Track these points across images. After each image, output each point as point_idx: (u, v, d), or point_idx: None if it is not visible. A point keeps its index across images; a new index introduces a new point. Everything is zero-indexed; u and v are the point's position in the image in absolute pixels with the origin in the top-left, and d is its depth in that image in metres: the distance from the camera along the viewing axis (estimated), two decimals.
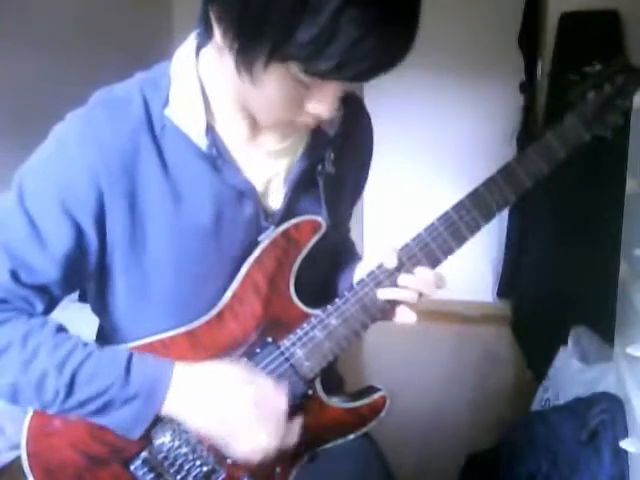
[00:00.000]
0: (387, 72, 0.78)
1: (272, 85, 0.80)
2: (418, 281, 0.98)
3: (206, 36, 0.86)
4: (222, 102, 0.92)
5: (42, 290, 0.91)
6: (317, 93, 0.82)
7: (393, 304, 0.99)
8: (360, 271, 1.04)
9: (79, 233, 0.89)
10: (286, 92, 0.81)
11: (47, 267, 0.89)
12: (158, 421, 0.93)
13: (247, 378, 0.93)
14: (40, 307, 0.92)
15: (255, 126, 0.93)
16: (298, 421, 0.95)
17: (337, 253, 1.10)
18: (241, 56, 0.78)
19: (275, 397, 0.92)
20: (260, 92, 0.81)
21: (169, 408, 0.91)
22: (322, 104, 0.83)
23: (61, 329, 0.93)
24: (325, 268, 1.07)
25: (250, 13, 0.73)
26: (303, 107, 0.84)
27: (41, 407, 0.91)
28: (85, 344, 0.92)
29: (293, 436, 0.94)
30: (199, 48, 0.92)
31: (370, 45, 0.72)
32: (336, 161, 0.99)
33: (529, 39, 3.14)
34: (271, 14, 0.72)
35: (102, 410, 0.90)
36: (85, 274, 0.94)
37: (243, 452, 0.92)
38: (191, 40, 0.93)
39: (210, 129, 0.91)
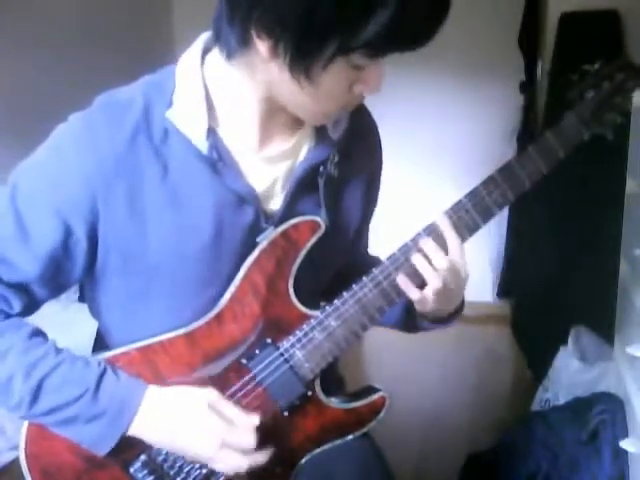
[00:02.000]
0: (433, 37, 0.80)
1: (329, 79, 0.81)
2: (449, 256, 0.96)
3: (239, 50, 0.84)
4: (230, 107, 0.92)
5: (21, 289, 0.91)
6: (368, 73, 0.83)
7: (393, 306, 0.99)
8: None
9: (67, 235, 0.89)
10: (343, 82, 0.83)
11: (29, 266, 0.89)
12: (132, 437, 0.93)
13: (214, 408, 0.92)
14: (18, 307, 0.92)
15: (266, 131, 0.93)
16: (267, 450, 0.94)
17: (359, 267, 1.04)
18: (298, 63, 0.79)
19: (239, 433, 0.92)
20: (314, 90, 0.82)
21: (136, 430, 0.91)
22: (373, 82, 0.85)
23: (37, 333, 0.92)
24: (327, 270, 1.06)
25: (315, 21, 0.74)
26: (352, 90, 0.85)
27: (9, 410, 0.91)
28: (59, 351, 0.91)
29: (260, 462, 0.94)
30: (205, 52, 0.92)
31: (431, 11, 0.76)
32: (340, 164, 0.99)
33: (529, 39, 3.14)
34: (342, 16, 0.73)
35: (68, 423, 0.90)
36: (69, 277, 0.93)
37: (222, 469, 0.94)
38: (197, 44, 0.93)
39: (212, 132, 0.90)
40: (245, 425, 0.93)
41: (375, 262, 0.99)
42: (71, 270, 0.93)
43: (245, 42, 0.82)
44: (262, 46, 0.80)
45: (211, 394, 0.94)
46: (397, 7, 0.73)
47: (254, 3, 0.77)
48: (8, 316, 0.92)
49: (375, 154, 1.10)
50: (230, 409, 0.94)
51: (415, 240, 0.98)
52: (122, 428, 0.90)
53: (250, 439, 0.92)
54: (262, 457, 0.94)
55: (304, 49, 0.78)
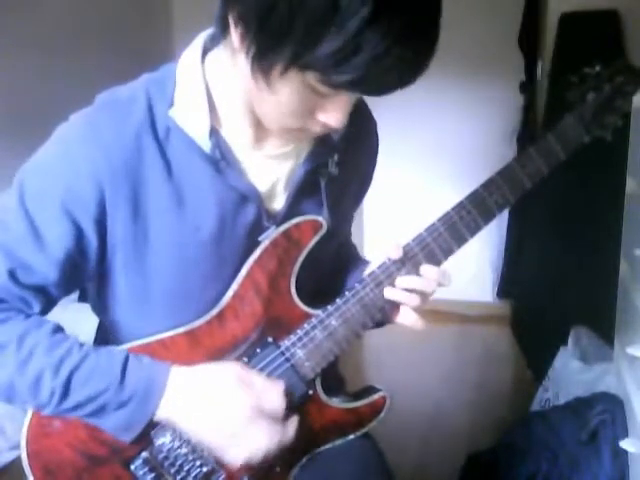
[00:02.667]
0: (404, 88, 0.79)
1: (286, 92, 0.80)
2: (421, 280, 0.98)
3: (221, 36, 0.85)
4: (228, 105, 0.92)
5: (40, 290, 0.91)
6: (330, 103, 0.82)
7: (395, 305, 0.99)
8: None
9: (79, 234, 0.89)
10: (300, 100, 0.81)
11: (46, 268, 0.89)
12: (157, 423, 0.93)
13: (243, 381, 0.92)
14: (37, 307, 0.92)
15: (260, 130, 0.93)
16: (294, 419, 0.95)
17: (339, 256, 1.10)
18: (258, 60, 0.78)
19: (271, 398, 0.92)
20: (273, 97, 0.82)
21: (164, 413, 0.91)
22: (334, 114, 0.83)
23: (58, 329, 0.92)
24: (327, 269, 1.07)
25: (275, 19, 0.73)
26: (314, 115, 0.84)
27: (36, 408, 0.91)
28: (81, 345, 0.91)
29: (290, 435, 0.94)
30: (206, 51, 0.92)
31: (392, 60, 0.73)
32: (340, 163, 0.99)
33: (529, 39, 3.14)
34: (296, 23, 0.72)
35: (97, 413, 0.90)
36: (84, 275, 0.94)
37: (241, 455, 0.91)
38: (198, 42, 0.93)
39: (214, 131, 0.91)
40: (273, 389, 0.93)
41: (353, 250, 1.04)
42: (86, 269, 0.93)
43: (224, 27, 0.82)
44: (235, 33, 0.80)
45: (237, 367, 0.94)
46: (350, 38, 0.71)
47: None
48: (28, 316, 0.92)
49: (373, 153, 1.11)
50: (257, 378, 0.93)
51: (417, 240, 0.98)
52: (149, 412, 0.90)
53: (280, 403, 0.92)
54: (288, 437, 0.93)
55: (263, 47, 0.77)
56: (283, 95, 0.81)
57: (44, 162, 0.91)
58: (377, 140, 1.10)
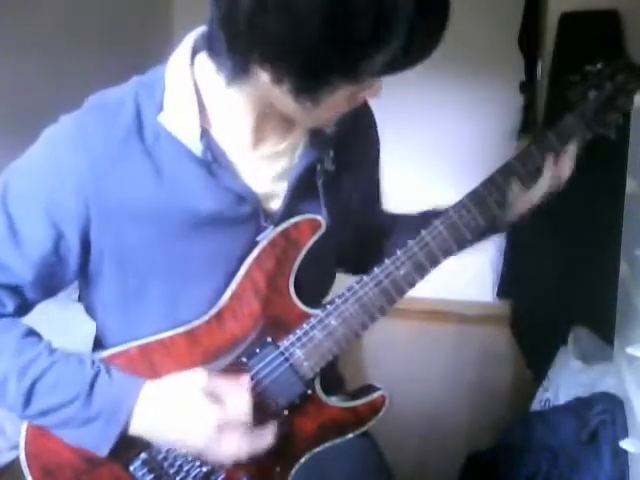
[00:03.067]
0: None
1: (334, 100, 0.81)
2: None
3: (238, 80, 0.83)
4: (221, 107, 0.91)
5: (14, 290, 0.91)
6: (370, 85, 0.84)
7: (393, 305, 0.99)
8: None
9: (58, 239, 0.88)
10: (347, 96, 0.83)
11: (21, 269, 0.89)
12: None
13: (207, 393, 0.91)
14: (11, 307, 0.91)
15: (259, 131, 0.93)
16: (272, 426, 0.94)
17: (373, 230, 1.12)
18: (304, 93, 0.79)
19: (236, 408, 0.91)
20: (319, 110, 0.83)
21: (133, 430, 0.90)
22: (374, 91, 0.85)
23: (30, 333, 0.92)
24: (326, 268, 1.07)
25: (320, 59, 0.74)
26: (355, 98, 0.86)
27: (7, 409, 0.91)
28: (52, 351, 0.90)
29: (266, 442, 0.93)
30: (195, 51, 0.91)
31: (433, 39, 0.77)
32: (336, 158, 0.99)
33: (529, 39, 3.14)
34: (343, 55, 0.73)
35: (63, 425, 0.90)
36: (62, 280, 0.93)
37: (217, 460, 0.93)
38: (187, 43, 0.92)
39: (205, 133, 0.90)
40: (239, 399, 0.91)
41: (391, 219, 1.09)
42: (64, 274, 0.92)
43: (246, 71, 0.81)
44: (264, 75, 0.79)
45: (199, 377, 0.92)
46: (402, 42, 0.73)
47: (257, 38, 0.75)
48: (2, 316, 0.92)
49: (370, 139, 1.10)
50: (223, 388, 0.92)
51: (417, 240, 0.98)
52: (117, 430, 0.89)
53: (246, 411, 0.90)
54: (266, 439, 0.92)
55: (309, 82, 0.78)
56: (331, 104, 0.82)
57: (30, 164, 0.90)
58: (371, 120, 1.09)
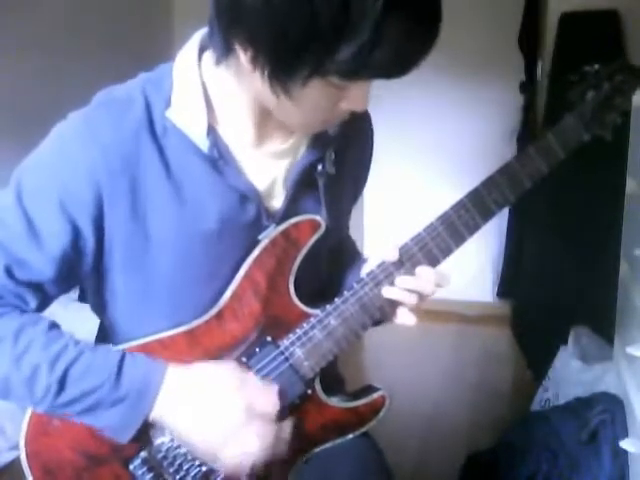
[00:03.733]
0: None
1: (309, 97, 0.81)
2: (418, 281, 0.98)
3: (224, 58, 0.85)
4: (226, 104, 0.92)
5: (35, 287, 0.91)
6: (352, 91, 0.83)
7: (393, 305, 0.99)
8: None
9: (75, 232, 0.89)
10: (323, 100, 0.83)
11: (41, 265, 0.89)
12: (153, 423, 0.93)
13: (238, 382, 0.92)
14: (33, 303, 0.92)
15: (263, 129, 0.94)
16: (289, 422, 0.95)
17: (339, 252, 1.11)
18: (276, 78, 0.79)
19: (265, 401, 0.92)
20: (296, 106, 0.83)
21: (158, 412, 0.90)
22: (358, 100, 0.85)
23: (54, 326, 0.93)
24: (326, 268, 1.07)
25: (289, 40, 0.74)
26: (338, 107, 0.86)
27: (32, 403, 0.91)
28: (77, 342, 0.91)
29: (284, 437, 0.93)
30: (202, 49, 0.92)
31: (412, 42, 0.76)
32: (336, 161, 0.99)
33: (529, 39, 3.14)
34: (311, 39, 0.73)
35: (91, 409, 0.90)
36: (80, 274, 0.94)
37: (233, 458, 0.91)
38: (194, 41, 0.93)
39: (211, 130, 0.91)
40: (268, 392, 0.92)
41: (352, 245, 1.05)
42: (82, 267, 0.93)
43: (228, 50, 0.82)
44: (243, 56, 0.80)
45: (233, 368, 0.93)
46: (368, 37, 0.72)
47: (233, 17, 0.77)
48: (24, 312, 0.92)
49: (367, 145, 1.11)
50: (252, 380, 0.93)
51: (416, 240, 0.98)
52: (144, 411, 0.90)
53: (274, 405, 0.92)
54: (282, 442, 0.93)
55: (279, 67, 0.78)
56: (306, 101, 0.82)
57: (41, 160, 0.91)
58: (371, 131, 1.10)
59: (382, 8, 0.70)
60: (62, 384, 0.88)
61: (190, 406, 0.91)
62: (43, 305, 0.94)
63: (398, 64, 0.78)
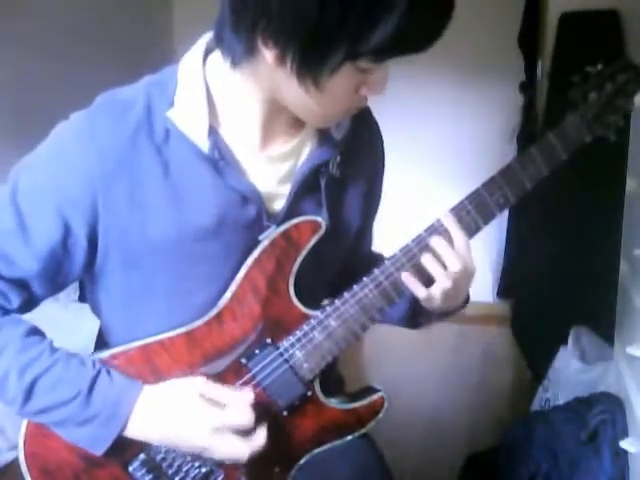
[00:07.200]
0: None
1: (336, 85, 0.82)
2: (452, 246, 0.97)
3: (244, 59, 0.84)
4: (231, 107, 0.92)
5: (20, 285, 0.91)
6: (374, 75, 0.84)
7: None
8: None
9: (66, 232, 0.89)
10: (349, 86, 0.84)
11: (28, 262, 0.89)
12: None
13: (205, 398, 0.92)
14: (16, 303, 0.92)
15: (268, 131, 0.94)
16: (262, 429, 0.94)
17: (357, 268, 1.04)
18: (307, 69, 0.79)
19: (236, 413, 0.91)
20: (322, 95, 0.83)
21: (131, 432, 0.91)
22: (378, 84, 0.86)
23: (34, 332, 0.92)
24: (327, 270, 1.06)
25: (322, 27, 0.75)
26: (358, 93, 0.86)
27: (5, 405, 0.91)
28: (54, 351, 0.91)
29: (259, 444, 0.93)
30: (208, 52, 0.92)
31: (435, 17, 0.77)
32: (342, 164, 0.99)
33: (529, 39, 3.14)
34: (346, 23, 0.74)
35: (61, 423, 0.90)
36: (68, 274, 0.93)
37: (219, 458, 0.93)
38: (200, 44, 0.93)
39: (213, 132, 0.91)
40: (239, 402, 0.92)
41: (378, 260, 0.99)
42: (70, 269, 0.93)
43: (251, 50, 0.82)
44: (268, 54, 0.80)
45: (198, 383, 0.93)
46: (402, 14, 0.73)
47: (260, 12, 0.77)
48: (6, 312, 0.92)
49: (377, 154, 1.10)
50: (220, 391, 0.93)
51: (417, 241, 0.98)
52: (115, 431, 0.90)
53: (247, 415, 0.91)
54: (260, 440, 0.93)
55: (311, 58, 0.78)
56: (333, 90, 0.83)
57: (39, 158, 0.91)
58: (381, 140, 1.10)
59: None
60: (29, 394, 0.88)
61: (162, 425, 0.92)
62: (27, 306, 0.94)
63: (427, 35, 0.79)
